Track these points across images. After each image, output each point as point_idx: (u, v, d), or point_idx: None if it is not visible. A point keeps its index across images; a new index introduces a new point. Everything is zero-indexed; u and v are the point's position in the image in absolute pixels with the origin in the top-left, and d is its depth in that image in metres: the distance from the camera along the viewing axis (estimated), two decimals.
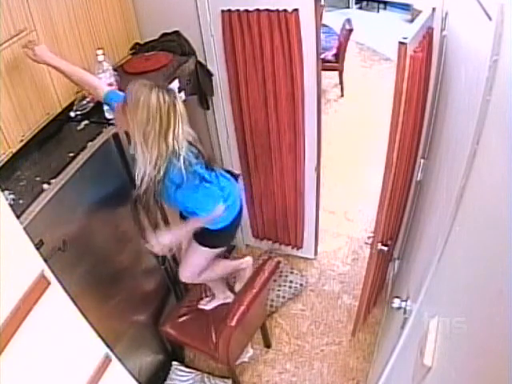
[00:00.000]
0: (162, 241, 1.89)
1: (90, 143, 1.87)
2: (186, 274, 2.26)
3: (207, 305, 2.53)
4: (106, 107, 1.95)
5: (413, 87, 1.76)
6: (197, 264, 2.21)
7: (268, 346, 2.82)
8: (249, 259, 2.58)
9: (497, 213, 0.79)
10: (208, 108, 2.71)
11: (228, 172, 2.13)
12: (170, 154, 1.66)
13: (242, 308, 2.17)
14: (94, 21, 2.15)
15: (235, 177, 2.16)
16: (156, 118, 1.61)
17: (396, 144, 1.78)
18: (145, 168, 1.66)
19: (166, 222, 2.10)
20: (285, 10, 2.19)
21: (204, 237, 2.10)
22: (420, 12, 1.96)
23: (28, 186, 1.72)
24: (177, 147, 1.66)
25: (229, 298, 2.52)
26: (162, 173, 1.66)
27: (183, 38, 2.45)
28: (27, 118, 1.84)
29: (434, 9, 1.91)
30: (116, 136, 1.95)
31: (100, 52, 1.96)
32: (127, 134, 1.81)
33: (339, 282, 3.18)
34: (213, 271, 2.35)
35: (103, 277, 2.09)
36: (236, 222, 2.13)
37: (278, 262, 2.49)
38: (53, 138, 1.90)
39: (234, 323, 2.14)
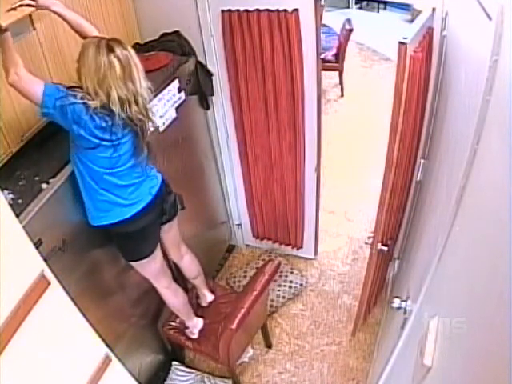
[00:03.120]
0: None
1: None
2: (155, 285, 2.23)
3: (192, 334, 2.45)
4: None
5: (413, 87, 1.76)
6: (150, 275, 2.16)
7: (269, 346, 2.82)
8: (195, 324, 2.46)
9: (497, 213, 0.79)
10: (208, 108, 2.71)
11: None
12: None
13: (243, 311, 2.17)
14: (94, 21, 2.14)
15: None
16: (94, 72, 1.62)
17: (396, 144, 1.78)
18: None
19: None
20: (285, 10, 2.19)
21: (124, 249, 2.02)
22: (420, 12, 1.96)
23: (27, 186, 1.72)
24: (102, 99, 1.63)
25: (196, 326, 2.44)
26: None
27: (183, 38, 2.45)
28: (27, 118, 1.84)
29: (433, 9, 1.91)
30: None
31: None
32: None
33: (339, 281, 3.18)
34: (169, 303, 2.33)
35: (103, 276, 2.10)
36: (148, 224, 1.96)
37: (279, 264, 2.48)
38: (53, 138, 1.90)
39: (234, 326, 2.13)
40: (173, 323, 2.51)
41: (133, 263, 2.07)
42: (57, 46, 1.92)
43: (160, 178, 2.01)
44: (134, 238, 1.95)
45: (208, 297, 2.57)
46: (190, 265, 2.42)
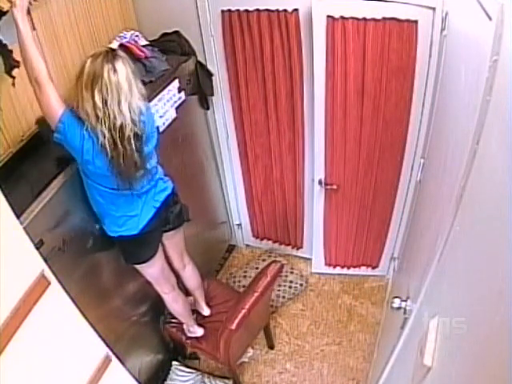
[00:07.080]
0: None
1: None
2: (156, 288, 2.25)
3: (194, 333, 2.47)
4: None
5: None
6: (150, 279, 2.17)
7: (271, 347, 2.82)
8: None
9: (497, 213, 0.79)
10: (208, 108, 2.71)
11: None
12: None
13: (243, 311, 2.17)
14: (94, 21, 2.15)
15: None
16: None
17: None
18: None
19: None
20: (285, 10, 2.19)
21: (123, 251, 2.03)
22: None
23: (28, 186, 1.71)
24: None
25: (195, 333, 2.46)
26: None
27: (183, 38, 2.45)
28: (27, 118, 1.84)
29: (434, 8, 1.91)
30: None
31: None
32: None
33: (339, 282, 3.18)
34: (171, 307, 2.35)
35: (103, 276, 2.09)
36: (149, 230, 1.96)
37: (282, 266, 2.46)
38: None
39: (233, 327, 2.13)
40: (174, 319, 2.51)
41: (138, 266, 2.09)
42: (57, 46, 1.92)
43: (171, 187, 2.02)
44: (133, 242, 1.96)
45: (205, 311, 2.55)
46: (191, 276, 2.42)
